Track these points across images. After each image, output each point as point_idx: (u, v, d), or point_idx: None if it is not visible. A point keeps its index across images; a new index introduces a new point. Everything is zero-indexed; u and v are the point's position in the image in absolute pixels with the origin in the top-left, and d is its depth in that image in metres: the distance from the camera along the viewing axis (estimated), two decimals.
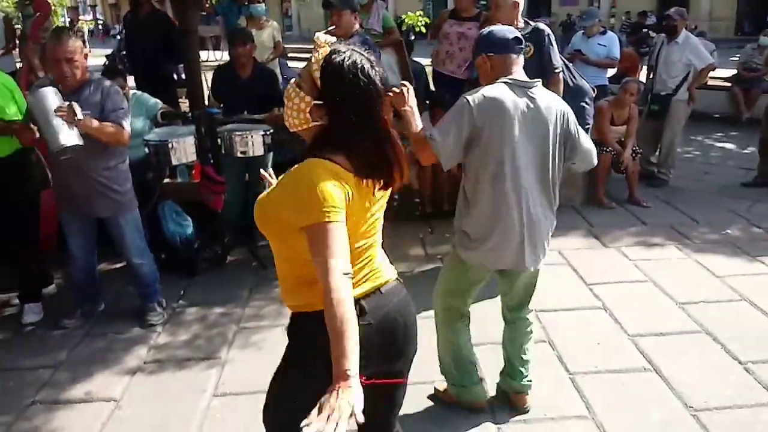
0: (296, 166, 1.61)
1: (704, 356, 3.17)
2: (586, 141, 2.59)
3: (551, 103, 2.47)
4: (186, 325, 3.70)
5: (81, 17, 37.83)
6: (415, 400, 2.86)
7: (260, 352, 3.38)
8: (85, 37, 29.80)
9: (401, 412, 1.98)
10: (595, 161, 2.66)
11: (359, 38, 4.33)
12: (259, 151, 4.22)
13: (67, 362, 3.34)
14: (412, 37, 12.73)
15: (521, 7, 3.87)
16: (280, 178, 1.67)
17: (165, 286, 4.01)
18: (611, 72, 6.94)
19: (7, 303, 4.03)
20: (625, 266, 4.26)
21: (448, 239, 4.78)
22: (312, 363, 1.57)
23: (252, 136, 4.17)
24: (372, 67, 1.60)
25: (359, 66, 1.57)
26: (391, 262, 1.84)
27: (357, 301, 1.56)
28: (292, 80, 1.67)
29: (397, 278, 1.80)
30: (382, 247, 1.81)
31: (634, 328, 3.44)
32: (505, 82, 2.42)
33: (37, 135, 3.30)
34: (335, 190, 1.51)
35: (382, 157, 1.63)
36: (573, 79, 4.01)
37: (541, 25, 3.92)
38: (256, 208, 1.66)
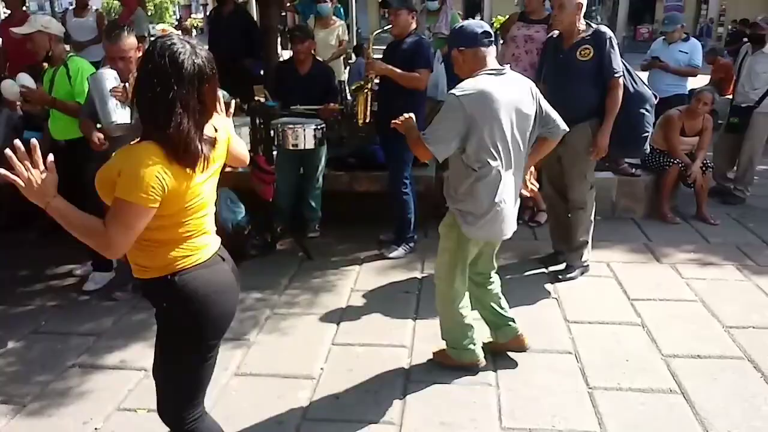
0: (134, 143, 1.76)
1: (739, 384, 2.96)
2: (551, 109, 2.91)
3: (523, 83, 2.78)
4: None
5: (192, 15, 40.05)
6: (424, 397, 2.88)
7: (286, 337, 3.48)
8: (193, 34, 31.35)
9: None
10: (564, 126, 2.93)
11: (415, 38, 4.37)
12: (310, 144, 4.34)
13: (109, 331, 3.58)
14: (501, 41, 12.59)
15: (583, 9, 3.78)
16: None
17: None
18: (693, 81, 6.56)
19: (70, 273, 4.38)
20: (675, 284, 4.04)
21: None
22: (162, 326, 1.93)
23: (304, 130, 4.30)
24: (191, 55, 1.69)
25: (171, 51, 1.68)
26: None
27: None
28: None
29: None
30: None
31: (669, 348, 3.27)
32: (487, 73, 2.67)
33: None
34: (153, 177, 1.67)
35: (185, 147, 1.71)
36: (634, 85, 3.85)
37: (603, 28, 3.81)
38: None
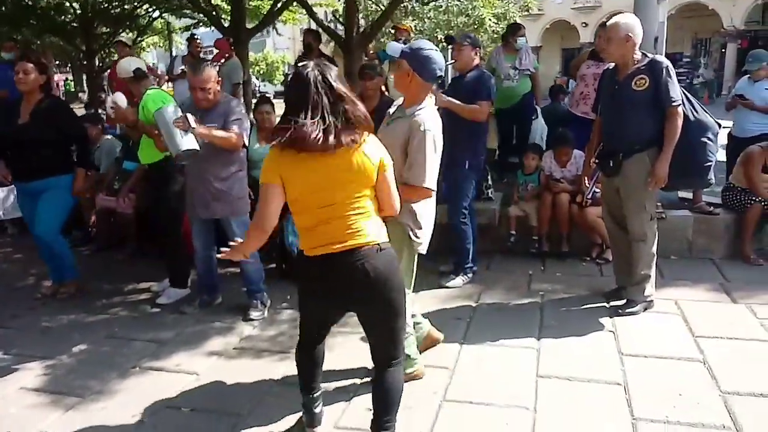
0: None
1: None
2: None
3: None
4: (278, 324, 4.01)
5: None
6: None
7: (331, 353, 3.54)
8: (260, 81, 33.09)
9: None
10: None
11: (477, 72, 4.47)
12: None
13: (172, 340, 3.81)
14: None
15: (636, 40, 3.71)
16: None
17: (277, 290, 4.43)
18: None
19: (148, 289, 4.72)
20: (748, 323, 3.75)
21: (557, 278, 4.64)
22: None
23: None
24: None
25: None
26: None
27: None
28: None
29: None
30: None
31: (730, 385, 3.04)
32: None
33: None
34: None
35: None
36: (694, 113, 3.73)
37: (659, 58, 3.75)
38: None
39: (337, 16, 14.52)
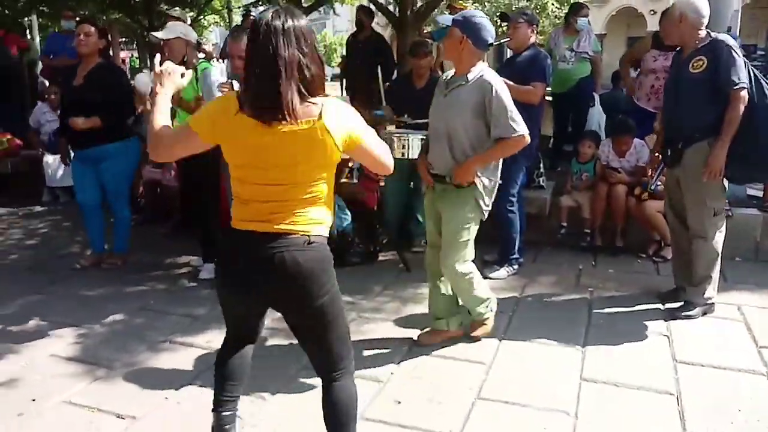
0: None
1: None
2: None
3: None
4: None
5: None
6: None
7: (363, 337, 3.44)
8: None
9: None
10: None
11: (532, 51, 4.22)
12: (415, 154, 4.29)
13: (204, 316, 3.75)
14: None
15: (694, 21, 3.38)
16: None
17: None
18: None
19: (188, 263, 4.70)
20: None
21: (608, 275, 4.39)
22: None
23: (409, 139, 4.27)
24: None
25: None
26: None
27: None
28: None
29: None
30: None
31: None
32: None
33: None
34: None
35: None
36: (765, 98, 3.36)
37: (722, 36, 3.42)
38: None
39: None
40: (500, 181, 3.25)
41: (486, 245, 4.33)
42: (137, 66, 28.94)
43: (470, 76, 3.04)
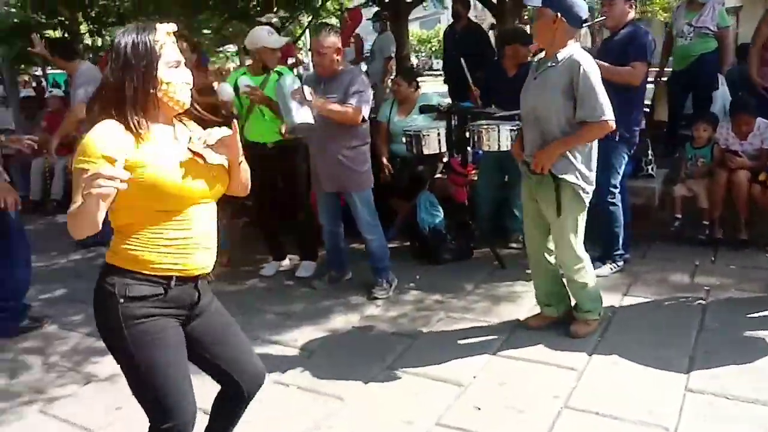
0: None
1: None
2: None
3: None
4: (401, 305, 3.86)
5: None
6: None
7: (448, 338, 3.37)
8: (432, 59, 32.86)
9: None
10: None
11: (631, 28, 3.88)
12: (505, 146, 4.12)
13: (297, 314, 3.82)
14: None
15: None
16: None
17: (406, 269, 4.31)
18: None
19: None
20: None
21: (729, 272, 3.99)
22: None
23: (498, 130, 4.09)
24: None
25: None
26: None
27: None
28: None
29: None
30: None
31: None
32: None
33: None
34: None
35: None
36: None
37: None
38: None
39: None
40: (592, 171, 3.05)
41: (588, 239, 4.09)
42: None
43: (560, 56, 2.96)
